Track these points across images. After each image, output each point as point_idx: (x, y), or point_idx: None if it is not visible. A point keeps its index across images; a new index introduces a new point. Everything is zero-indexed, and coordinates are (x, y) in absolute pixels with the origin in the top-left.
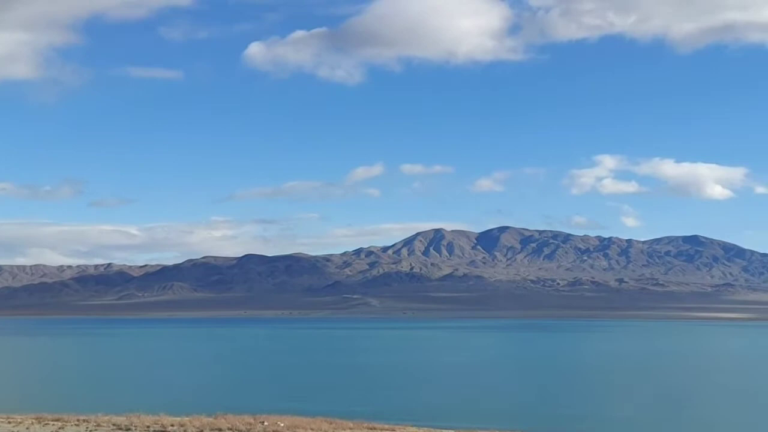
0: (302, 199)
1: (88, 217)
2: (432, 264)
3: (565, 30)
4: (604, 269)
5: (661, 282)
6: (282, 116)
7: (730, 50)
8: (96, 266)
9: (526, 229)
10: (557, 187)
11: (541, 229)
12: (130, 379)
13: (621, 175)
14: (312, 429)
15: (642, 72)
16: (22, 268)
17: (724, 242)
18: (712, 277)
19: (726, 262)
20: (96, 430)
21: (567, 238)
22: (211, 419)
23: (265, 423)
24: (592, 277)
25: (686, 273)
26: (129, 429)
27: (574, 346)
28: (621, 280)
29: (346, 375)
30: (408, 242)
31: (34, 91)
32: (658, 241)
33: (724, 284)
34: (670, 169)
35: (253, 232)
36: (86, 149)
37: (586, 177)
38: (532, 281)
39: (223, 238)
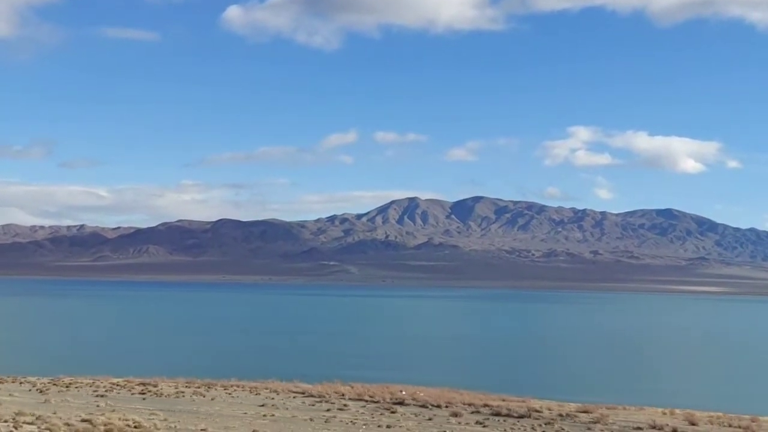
0: (274, 165)
1: (57, 177)
2: (407, 232)
3: (547, 0)
4: (579, 241)
5: (635, 255)
6: (257, 81)
7: (709, 24)
8: (68, 227)
9: (501, 200)
10: (531, 158)
11: (516, 199)
12: (205, 348)
13: (594, 147)
14: (462, 401)
15: (620, 45)
16: None
17: (697, 216)
18: (685, 250)
19: (699, 236)
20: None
21: (541, 209)
22: (348, 388)
23: (403, 392)
24: (567, 249)
25: (660, 246)
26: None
27: (586, 317)
28: (596, 252)
29: (400, 345)
30: (382, 210)
31: (9, 50)
32: (632, 213)
33: (698, 258)
34: (643, 142)
35: (223, 196)
36: (58, 109)
37: (560, 148)
38: (507, 251)
39: (192, 202)
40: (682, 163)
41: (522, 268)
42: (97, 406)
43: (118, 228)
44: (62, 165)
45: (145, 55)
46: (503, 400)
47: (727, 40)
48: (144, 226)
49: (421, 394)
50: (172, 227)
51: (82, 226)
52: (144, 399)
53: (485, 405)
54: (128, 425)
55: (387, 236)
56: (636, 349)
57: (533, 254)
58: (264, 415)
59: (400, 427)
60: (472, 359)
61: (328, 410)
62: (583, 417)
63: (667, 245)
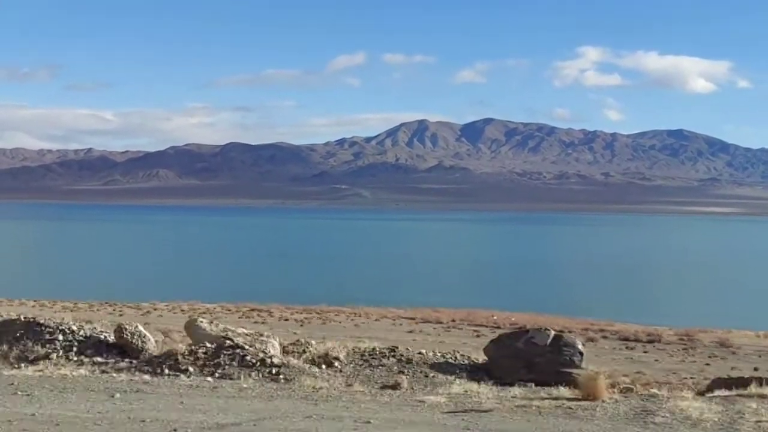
0: (281, 88)
1: (63, 100)
2: (417, 155)
3: None
4: (590, 163)
5: (647, 176)
6: (262, 3)
7: None
8: (76, 151)
9: (510, 122)
10: (540, 79)
11: (525, 121)
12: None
13: (604, 68)
14: (566, 326)
15: None
16: (2, 151)
17: (708, 136)
18: (697, 171)
19: (710, 157)
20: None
21: (551, 131)
22: (439, 314)
23: (495, 317)
24: (578, 171)
25: (671, 167)
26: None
27: (610, 239)
28: (607, 174)
29: (440, 269)
30: (391, 133)
31: None
32: (642, 135)
33: (709, 179)
34: (653, 61)
35: (230, 119)
36: (66, 33)
37: (569, 69)
38: (518, 174)
39: (200, 126)
40: (692, 83)
41: (534, 191)
42: (294, 333)
43: (126, 152)
44: (68, 87)
45: None
46: (592, 324)
47: None
48: (152, 150)
49: (513, 319)
50: (180, 151)
51: (89, 149)
52: (302, 326)
53: (601, 330)
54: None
55: (397, 159)
56: (668, 272)
57: (545, 176)
58: (433, 342)
59: None
60: (512, 282)
61: (474, 335)
62: (704, 339)
63: (679, 166)
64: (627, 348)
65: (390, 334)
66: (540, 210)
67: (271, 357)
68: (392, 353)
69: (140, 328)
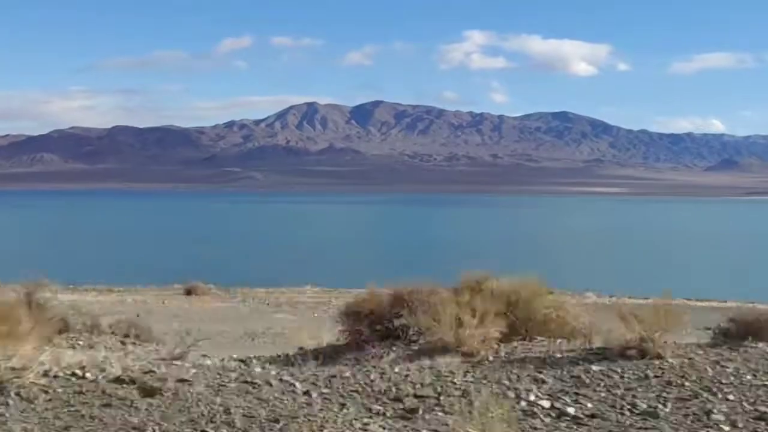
0: (167, 71)
1: None
2: (308, 138)
3: None
4: (478, 145)
5: (534, 158)
6: None
7: None
8: None
9: (399, 104)
10: (427, 62)
11: (414, 104)
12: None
13: (489, 51)
14: None
15: None
16: None
17: (591, 118)
18: (581, 152)
19: (594, 138)
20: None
21: (440, 113)
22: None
23: None
24: (467, 153)
25: (557, 149)
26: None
27: (540, 220)
28: (495, 156)
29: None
30: (281, 116)
31: None
32: (528, 116)
33: (594, 160)
34: (537, 45)
35: (114, 102)
36: None
37: (455, 52)
38: (409, 156)
39: (81, 109)
40: (574, 66)
41: (425, 173)
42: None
43: (7, 135)
44: None
45: None
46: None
47: None
48: (34, 133)
49: None
50: (65, 134)
51: None
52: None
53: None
54: None
55: (288, 142)
56: (589, 248)
57: (435, 158)
58: None
59: None
60: (460, 261)
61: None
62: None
63: (564, 148)
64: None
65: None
66: (432, 191)
67: None
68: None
69: None
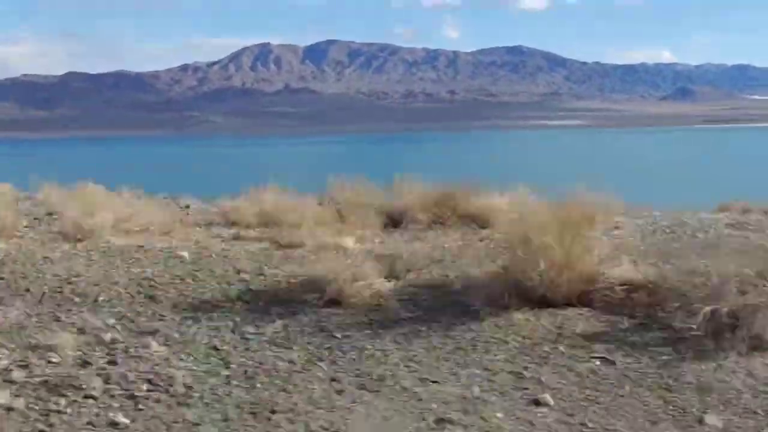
0: (115, 14)
1: None
2: (263, 79)
3: None
4: (434, 81)
5: (491, 92)
6: None
7: None
8: None
9: (354, 42)
10: None
11: (368, 41)
12: None
13: None
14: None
15: None
16: None
17: (545, 52)
18: (537, 86)
19: (550, 72)
20: None
21: (395, 50)
22: None
23: None
24: (424, 89)
25: (513, 83)
26: None
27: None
28: (453, 92)
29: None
30: (234, 57)
31: None
32: (482, 51)
33: (551, 93)
34: None
35: (62, 48)
36: None
37: None
38: (365, 94)
39: (29, 55)
40: (526, 0)
41: (383, 111)
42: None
43: None
44: None
45: None
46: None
47: None
48: None
49: None
50: (17, 82)
51: None
52: None
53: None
54: None
55: (244, 83)
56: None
57: (392, 96)
58: None
59: None
60: None
61: None
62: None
63: (520, 82)
64: None
65: None
66: (391, 130)
67: None
68: None
69: None
